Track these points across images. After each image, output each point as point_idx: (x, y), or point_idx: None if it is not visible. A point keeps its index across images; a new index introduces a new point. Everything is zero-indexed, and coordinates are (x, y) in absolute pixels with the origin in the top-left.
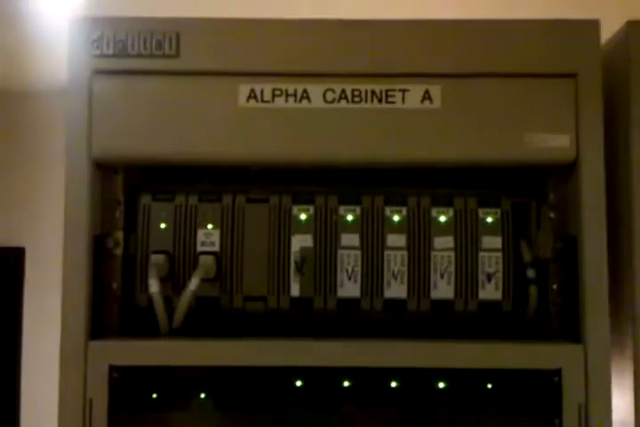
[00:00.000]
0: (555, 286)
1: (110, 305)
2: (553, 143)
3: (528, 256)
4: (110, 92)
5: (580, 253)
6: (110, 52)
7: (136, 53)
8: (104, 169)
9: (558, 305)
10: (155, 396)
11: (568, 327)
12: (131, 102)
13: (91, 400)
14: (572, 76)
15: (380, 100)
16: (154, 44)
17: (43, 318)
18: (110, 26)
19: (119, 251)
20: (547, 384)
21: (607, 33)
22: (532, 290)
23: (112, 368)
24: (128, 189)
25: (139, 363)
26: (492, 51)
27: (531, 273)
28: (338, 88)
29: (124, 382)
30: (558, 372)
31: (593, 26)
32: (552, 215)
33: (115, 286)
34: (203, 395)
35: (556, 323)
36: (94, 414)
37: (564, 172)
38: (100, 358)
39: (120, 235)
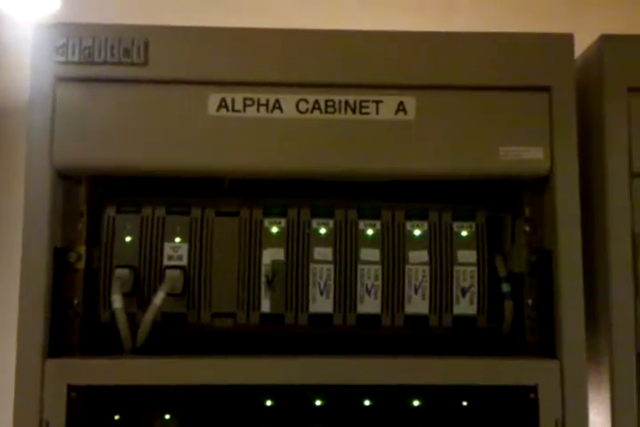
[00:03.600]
0: (530, 301)
1: (71, 321)
2: (527, 156)
3: (503, 270)
4: (74, 100)
5: (555, 267)
6: (75, 59)
7: (102, 61)
8: (66, 179)
9: (533, 320)
10: (116, 417)
11: (544, 343)
12: (96, 111)
13: (47, 423)
14: (546, 89)
15: (353, 111)
16: (121, 51)
17: (2, 334)
18: (76, 32)
19: (81, 265)
20: (523, 401)
21: (581, 47)
22: (507, 305)
23: (70, 388)
24: (92, 200)
25: (99, 382)
26: (467, 63)
27: (506, 288)
28: (311, 98)
29: (84, 402)
30: (534, 388)
31: (567, 39)
32: (527, 229)
33: (76, 301)
34: (167, 416)
35: (532, 338)
36: None
37: (539, 185)
38: (58, 376)
39: (82, 248)
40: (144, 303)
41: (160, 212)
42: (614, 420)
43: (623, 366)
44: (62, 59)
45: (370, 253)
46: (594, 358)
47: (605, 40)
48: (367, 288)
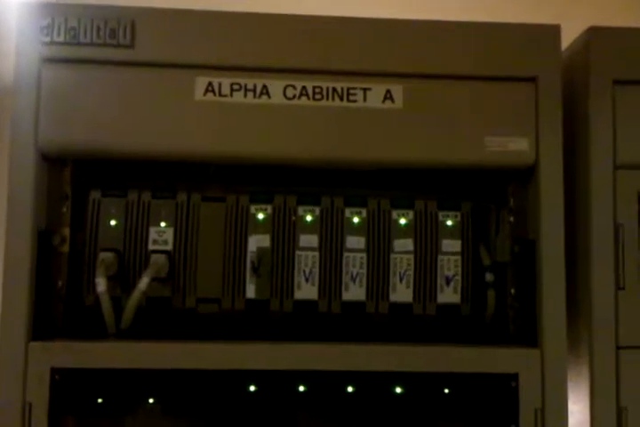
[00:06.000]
0: (512, 290)
1: (55, 304)
2: (512, 147)
3: (487, 260)
4: (60, 82)
5: (537, 257)
6: (61, 39)
7: (88, 42)
8: (51, 161)
9: (516, 309)
10: (99, 400)
11: (525, 331)
12: (81, 93)
13: (30, 404)
14: (533, 79)
15: (341, 98)
16: (107, 32)
17: None
18: (61, 12)
19: (65, 248)
20: (504, 389)
21: (568, 38)
22: (491, 294)
23: (54, 371)
24: (77, 183)
25: (82, 365)
26: (454, 52)
27: (489, 277)
28: (298, 84)
29: (67, 385)
30: (515, 376)
31: (554, 30)
32: (511, 219)
33: (60, 284)
34: (151, 400)
35: (514, 327)
36: (34, 420)
37: (524, 176)
38: (41, 359)
39: (67, 231)
40: (128, 287)
41: (146, 196)
42: (593, 408)
43: (603, 356)
44: (47, 39)
45: (355, 241)
46: (574, 347)
47: (592, 32)
48: (352, 276)
